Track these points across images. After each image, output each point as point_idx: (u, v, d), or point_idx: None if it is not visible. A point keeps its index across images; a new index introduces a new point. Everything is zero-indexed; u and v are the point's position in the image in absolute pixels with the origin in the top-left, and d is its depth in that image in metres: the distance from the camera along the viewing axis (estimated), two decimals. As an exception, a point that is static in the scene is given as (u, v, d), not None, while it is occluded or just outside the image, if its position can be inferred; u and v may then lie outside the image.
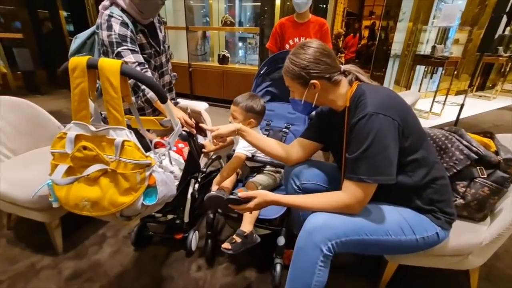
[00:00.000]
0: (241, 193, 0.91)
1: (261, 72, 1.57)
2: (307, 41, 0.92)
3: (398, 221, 0.87)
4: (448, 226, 0.91)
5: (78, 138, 0.84)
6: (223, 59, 3.95)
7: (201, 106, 2.82)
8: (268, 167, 1.33)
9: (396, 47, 4.93)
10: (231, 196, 0.91)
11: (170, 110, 0.99)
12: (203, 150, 1.43)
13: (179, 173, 1.23)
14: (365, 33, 6.95)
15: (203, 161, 1.48)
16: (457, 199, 1.05)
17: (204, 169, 1.40)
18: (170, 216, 1.37)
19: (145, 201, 0.86)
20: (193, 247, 1.37)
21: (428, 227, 0.88)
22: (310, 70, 0.89)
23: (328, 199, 0.86)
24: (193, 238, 1.37)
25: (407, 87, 4.83)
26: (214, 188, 1.17)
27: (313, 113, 1.12)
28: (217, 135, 1.10)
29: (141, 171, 0.82)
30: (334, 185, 1.10)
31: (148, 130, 1.45)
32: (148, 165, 0.84)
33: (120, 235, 1.49)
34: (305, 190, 1.11)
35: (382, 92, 0.87)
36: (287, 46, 2.32)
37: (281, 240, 1.19)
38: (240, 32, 4.81)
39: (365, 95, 0.84)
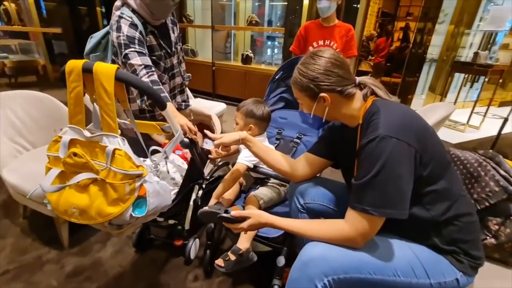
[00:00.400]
0: (234, 211, 0.85)
1: (276, 77, 1.49)
2: (319, 50, 0.83)
3: (410, 260, 0.76)
4: (472, 271, 0.78)
5: (72, 142, 0.82)
6: (246, 59, 3.90)
7: (219, 107, 2.80)
8: (272, 180, 1.25)
9: (433, 51, 4.56)
10: (224, 215, 0.85)
11: (169, 117, 0.95)
12: (209, 156, 1.39)
13: (180, 180, 1.20)
14: (400, 35, 6.53)
15: (209, 167, 1.43)
16: (488, 238, 0.90)
17: (208, 177, 1.36)
18: (171, 221, 1.35)
19: (134, 212, 0.82)
20: (192, 256, 1.34)
21: (446, 270, 0.76)
22: (320, 82, 0.80)
23: (328, 228, 0.77)
24: (193, 246, 1.34)
25: (443, 94, 4.45)
26: (212, 201, 1.12)
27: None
28: (219, 144, 1.04)
29: (131, 181, 0.78)
30: (342, 207, 0.99)
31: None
32: (139, 176, 0.80)
33: (124, 235, 1.49)
34: (310, 210, 1.02)
35: (399, 111, 0.75)
36: (310, 49, 2.21)
37: (281, 261, 1.10)
38: (270, 31, 4.74)
39: (379, 113, 0.74)
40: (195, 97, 3.38)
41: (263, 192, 1.18)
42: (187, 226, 1.31)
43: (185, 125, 1.15)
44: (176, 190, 1.16)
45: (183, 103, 1.56)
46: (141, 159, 1.12)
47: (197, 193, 1.33)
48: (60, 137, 0.83)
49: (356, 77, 0.86)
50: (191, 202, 1.30)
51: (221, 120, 2.95)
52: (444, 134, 3.25)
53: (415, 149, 0.69)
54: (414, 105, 4.23)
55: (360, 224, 0.71)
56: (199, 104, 2.81)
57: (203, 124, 1.62)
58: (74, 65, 0.78)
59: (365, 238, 0.73)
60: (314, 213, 1.02)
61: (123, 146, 0.79)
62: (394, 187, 0.68)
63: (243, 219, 0.85)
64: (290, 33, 3.62)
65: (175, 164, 1.31)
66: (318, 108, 0.85)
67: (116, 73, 0.76)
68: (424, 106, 2.11)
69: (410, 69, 4.70)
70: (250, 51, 3.98)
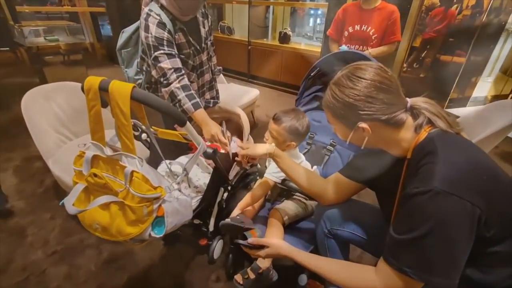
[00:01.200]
0: (252, 239, 0.80)
1: (311, 74, 1.34)
2: (358, 68, 0.67)
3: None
4: None
5: (95, 158, 0.82)
6: (284, 38, 3.64)
7: (252, 93, 2.70)
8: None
9: (516, 19, 3.72)
10: (240, 241, 0.81)
11: (190, 131, 0.90)
12: (236, 158, 1.34)
13: (204, 188, 1.18)
14: (470, 1, 5.45)
15: (235, 170, 1.39)
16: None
17: (234, 181, 1.32)
18: (196, 221, 1.36)
19: (153, 231, 0.82)
20: (216, 256, 1.35)
21: None
22: (359, 110, 0.66)
23: (354, 276, 0.68)
24: (217, 247, 1.35)
25: (518, 79, 3.74)
26: (236, 212, 1.08)
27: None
28: (245, 156, 0.98)
29: (148, 204, 0.77)
30: (375, 237, 0.89)
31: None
32: (157, 198, 0.78)
33: (154, 226, 1.56)
34: (337, 237, 0.93)
35: (463, 154, 0.59)
36: (345, 34, 1.96)
37: (303, 279, 1.06)
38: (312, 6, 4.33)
39: (436, 155, 0.59)
40: (228, 79, 3.29)
41: (288, 207, 1.11)
42: (211, 228, 1.32)
43: (216, 135, 1.10)
44: (199, 197, 1.15)
45: (212, 100, 1.50)
46: (167, 162, 1.12)
47: (222, 196, 1.31)
48: (84, 152, 0.83)
49: (407, 99, 0.70)
50: (216, 205, 1.30)
51: (254, 106, 2.87)
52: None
53: (480, 209, 0.54)
54: (477, 91, 3.63)
55: (394, 283, 0.61)
56: (232, 89, 2.73)
57: (232, 121, 1.56)
58: (91, 83, 0.75)
59: (397, 297, 0.63)
60: (341, 240, 0.94)
61: (141, 168, 0.77)
62: (444, 254, 0.55)
63: (261, 246, 0.80)
64: (336, 3, 3.22)
65: (202, 165, 1.30)
66: (355, 137, 0.72)
67: (132, 93, 0.72)
68: (491, 104, 1.75)
69: (479, 44, 3.93)
70: (289, 29, 3.69)
